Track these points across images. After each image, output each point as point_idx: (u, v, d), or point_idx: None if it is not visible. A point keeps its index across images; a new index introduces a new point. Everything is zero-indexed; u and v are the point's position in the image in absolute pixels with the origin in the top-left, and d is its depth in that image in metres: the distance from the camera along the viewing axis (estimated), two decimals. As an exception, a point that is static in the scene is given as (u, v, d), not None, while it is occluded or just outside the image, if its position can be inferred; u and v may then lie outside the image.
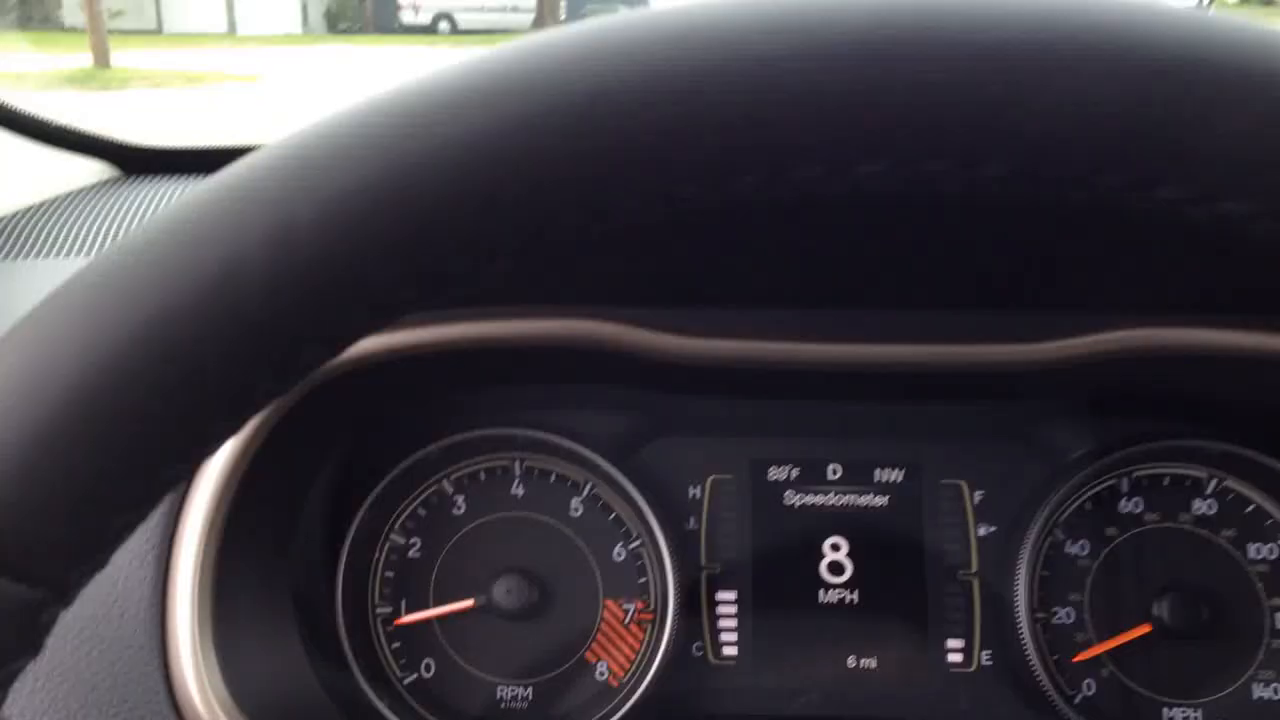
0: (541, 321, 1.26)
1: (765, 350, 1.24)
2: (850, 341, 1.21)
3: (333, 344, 0.47)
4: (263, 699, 1.25)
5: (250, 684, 1.24)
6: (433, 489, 1.52)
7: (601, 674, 1.47)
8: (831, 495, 1.48)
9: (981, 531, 1.44)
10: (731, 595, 1.46)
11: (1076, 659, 1.38)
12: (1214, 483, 1.42)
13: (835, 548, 1.46)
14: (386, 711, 1.44)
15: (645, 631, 1.47)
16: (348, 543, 1.49)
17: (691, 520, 1.48)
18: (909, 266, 1.17)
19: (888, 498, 1.47)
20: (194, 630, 1.19)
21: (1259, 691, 1.37)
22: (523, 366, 1.39)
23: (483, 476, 1.52)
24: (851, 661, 1.44)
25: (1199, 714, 1.37)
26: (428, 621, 1.50)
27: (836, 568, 1.46)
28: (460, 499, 1.52)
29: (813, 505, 1.48)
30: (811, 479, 1.49)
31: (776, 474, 1.49)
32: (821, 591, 1.46)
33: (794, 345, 1.23)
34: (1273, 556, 1.39)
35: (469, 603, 1.48)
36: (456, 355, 1.29)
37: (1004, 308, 1.18)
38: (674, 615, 1.43)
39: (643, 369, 1.30)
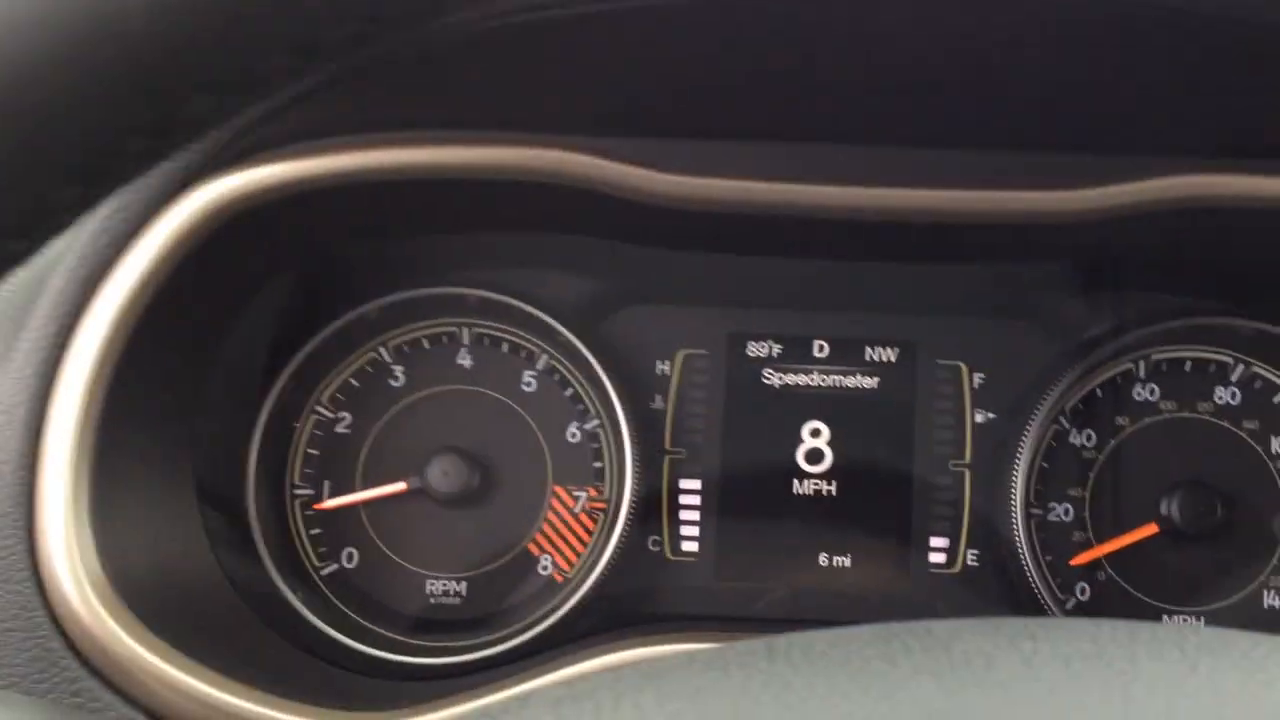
0: (498, 149, 1.07)
1: (758, 191, 1.07)
2: (856, 183, 1.05)
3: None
4: (146, 583, 1.07)
5: (133, 564, 1.06)
6: (368, 356, 1.35)
7: (545, 568, 1.32)
8: (816, 375, 1.34)
9: (979, 419, 1.31)
10: (696, 484, 1.32)
11: (1074, 562, 1.26)
12: (1240, 368, 1.29)
13: (815, 433, 1.32)
14: (299, 605, 1.28)
15: (597, 522, 1.32)
16: (264, 413, 1.31)
17: (658, 399, 1.34)
18: (925, 95, 1.01)
19: (878, 379, 1.33)
20: (69, 498, 1.00)
21: (1270, 599, 1.26)
22: (476, 209, 1.21)
23: (425, 344, 1.35)
24: (824, 559, 1.31)
25: (1201, 622, 1.26)
26: (353, 506, 1.33)
27: (815, 455, 1.32)
28: (399, 369, 1.35)
29: (794, 386, 1.34)
30: (795, 357, 1.34)
31: (756, 350, 1.34)
32: (796, 482, 1.32)
33: (791, 186, 1.07)
34: (1298, 451, 1.28)
35: (400, 486, 1.31)
36: (397, 190, 1.11)
37: (1035, 149, 1.03)
38: (630, 504, 1.28)
39: (615, 216, 1.13)
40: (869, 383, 1.33)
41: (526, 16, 0.95)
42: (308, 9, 0.45)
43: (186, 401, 1.20)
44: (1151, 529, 1.25)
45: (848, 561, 1.31)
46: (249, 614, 1.23)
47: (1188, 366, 1.30)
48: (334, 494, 1.33)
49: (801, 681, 0.49)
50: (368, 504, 1.33)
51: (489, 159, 1.08)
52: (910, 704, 0.48)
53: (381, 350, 1.35)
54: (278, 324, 1.31)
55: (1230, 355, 1.29)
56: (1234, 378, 1.29)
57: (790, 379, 1.34)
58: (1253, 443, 1.28)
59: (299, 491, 1.33)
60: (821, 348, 1.34)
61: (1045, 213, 1.01)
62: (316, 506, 1.33)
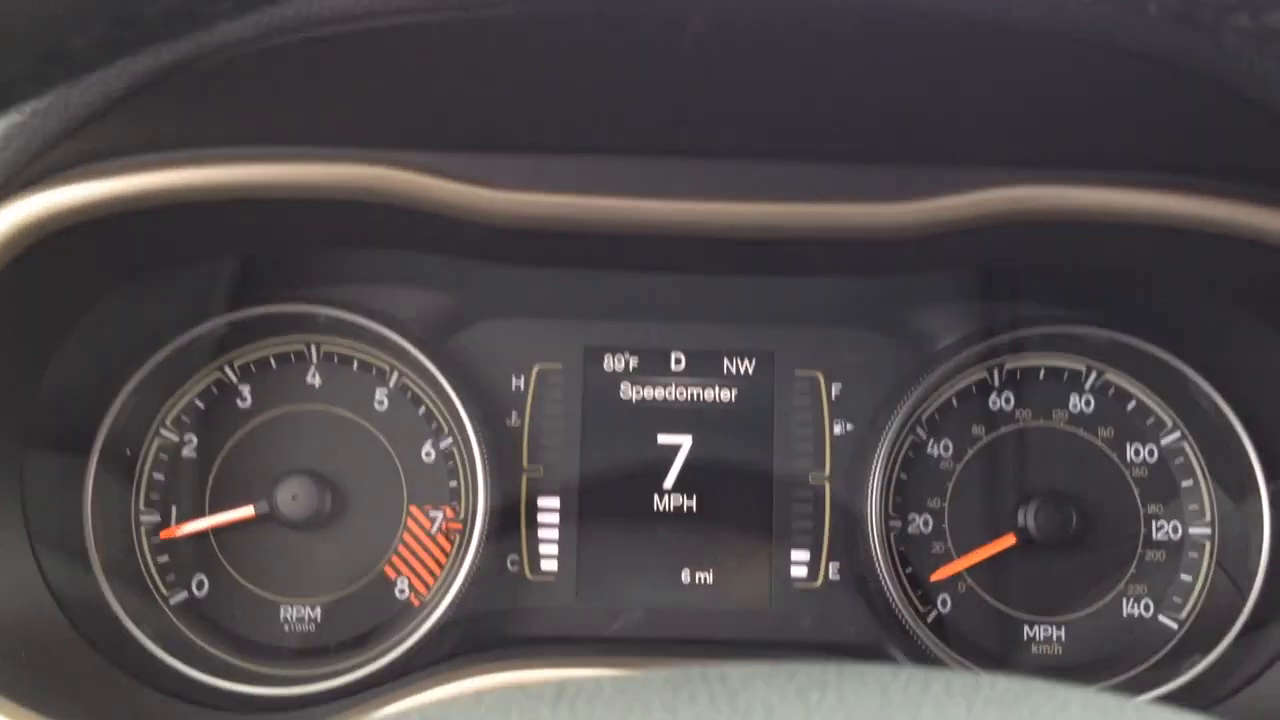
0: (315, 166, 1.02)
1: (592, 208, 1.03)
2: (693, 198, 1.02)
3: None
4: None
5: None
6: (213, 376, 1.29)
7: (402, 591, 1.28)
8: (674, 388, 1.31)
9: (837, 429, 1.29)
10: (554, 502, 1.29)
11: (934, 577, 1.25)
12: (1093, 376, 1.28)
13: (674, 448, 1.29)
14: (145, 639, 1.22)
15: (453, 543, 1.28)
16: (101, 435, 1.25)
17: (513, 416, 1.30)
18: (758, 108, 0.97)
19: (736, 391, 1.30)
20: None
21: (1129, 608, 1.26)
22: (310, 227, 1.16)
23: (273, 362, 1.30)
24: (686, 576, 1.29)
25: (1062, 632, 1.26)
26: (202, 533, 1.28)
27: (674, 470, 1.29)
28: (246, 389, 1.30)
29: (652, 399, 1.31)
30: (652, 369, 1.31)
31: (612, 363, 1.31)
32: (656, 497, 1.29)
33: (626, 202, 1.03)
34: (1152, 459, 1.27)
35: (248, 511, 1.26)
36: (236, 209, 1.05)
37: (867, 162, 1.00)
38: (486, 524, 1.24)
39: (450, 235, 1.09)
40: (727, 394, 1.30)
41: (336, 28, 0.90)
42: (53, 15, 0.43)
43: (9, 435, 1.14)
44: (1009, 540, 1.24)
45: (710, 578, 1.29)
46: (91, 653, 1.18)
47: (1042, 375, 1.29)
48: (181, 518, 1.28)
49: None
50: (217, 530, 1.28)
51: (306, 177, 1.02)
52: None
53: (227, 369, 1.30)
54: (113, 345, 1.25)
55: (1083, 363, 1.28)
56: (1087, 385, 1.28)
57: (648, 392, 1.31)
58: (1107, 450, 1.27)
59: (144, 518, 1.28)
60: (679, 360, 1.31)
61: (878, 226, 0.98)
62: (163, 535, 1.27)
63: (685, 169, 1.03)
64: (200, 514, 1.28)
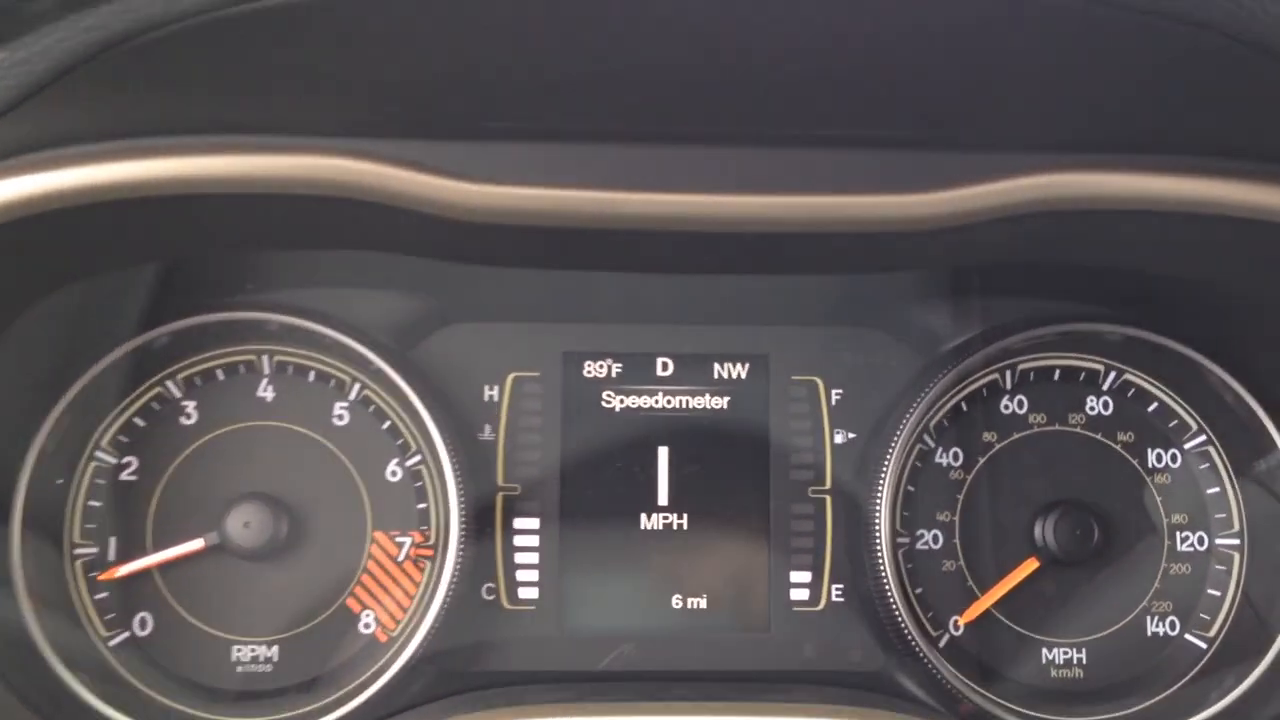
0: (269, 158, 0.91)
1: (573, 201, 0.93)
2: (682, 190, 0.92)
3: None
4: None
5: None
6: (154, 391, 1.19)
7: (368, 625, 1.18)
8: (660, 396, 1.22)
9: (838, 439, 1.21)
10: (533, 523, 1.20)
11: (961, 620, 1.16)
12: (1111, 376, 1.21)
13: (663, 461, 1.21)
14: (80, 688, 1.10)
15: (424, 571, 1.18)
16: (30, 460, 1.13)
17: (487, 429, 1.21)
18: (759, 87, 0.88)
19: (728, 399, 1.22)
20: None
21: (1153, 626, 1.19)
22: (266, 227, 1.05)
23: (220, 375, 1.20)
24: (677, 602, 1.20)
25: (1083, 654, 1.18)
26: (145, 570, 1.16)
27: (663, 485, 1.20)
28: (190, 405, 1.19)
29: (638, 409, 1.22)
30: (637, 376, 1.22)
31: (594, 370, 1.22)
32: (644, 516, 1.20)
33: (612, 195, 0.93)
34: (1175, 464, 1.20)
35: (197, 544, 1.15)
36: (175, 207, 0.94)
37: (881, 148, 0.91)
38: (459, 549, 1.14)
39: (420, 230, 0.98)
40: (718, 402, 1.22)
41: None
42: None
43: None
44: (1032, 564, 1.16)
45: (704, 603, 1.20)
46: (18, 706, 1.06)
47: (1056, 376, 1.22)
48: (122, 552, 1.17)
49: None
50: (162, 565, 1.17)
51: (255, 170, 0.91)
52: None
53: (169, 384, 1.20)
54: (41, 360, 1.13)
55: (1101, 362, 1.21)
56: (1105, 386, 1.21)
57: (633, 401, 1.22)
58: (1128, 456, 1.20)
59: (80, 551, 1.16)
60: (665, 365, 1.23)
61: (894, 218, 0.89)
62: (101, 577, 1.16)
63: (675, 158, 0.93)
64: (142, 548, 1.18)
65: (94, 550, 1.17)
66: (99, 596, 1.16)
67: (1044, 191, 0.88)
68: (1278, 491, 1.17)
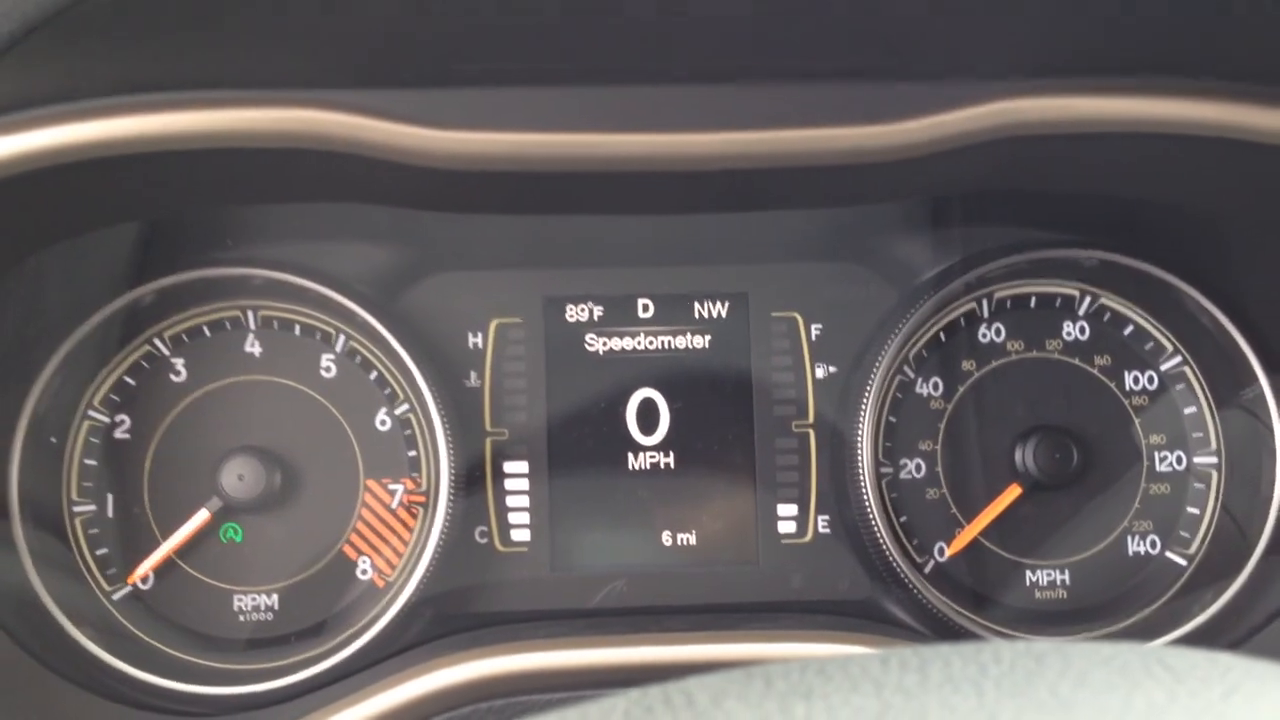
0: (239, 112, 0.91)
1: (546, 144, 0.93)
2: (651, 129, 0.92)
3: None
4: None
5: None
6: (142, 350, 1.19)
7: (364, 571, 1.20)
8: (642, 337, 1.23)
9: (820, 373, 1.22)
10: (522, 467, 1.21)
11: (950, 552, 1.18)
12: (1087, 301, 1.21)
13: (647, 401, 1.22)
14: (86, 641, 1.12)
15: (417, 517, 1.20)
16: (23, 421, 1.14)
17: (472, 376, 1.21)
18: (724, 22, 0.88)
19: (709, 337, 1.23)
20: None
21: (1134, 546, 1.20)
22: (244, 182, 1.05)
23: (207, 331, 1.20)
24: (667, 538, 1.21)
25: (1065, 575, 1.20)
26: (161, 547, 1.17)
27: (649, 425, 1.21)
28: (179, 362, 1.20)
29: (620, 351, 1.22)
30: (618, 318, 1.23)
31: (576, 314, 1.23)
32: (631, 456, 1.21)
33: (584, 137, 0.93)
34: (1152, 386, 1.21)
35: (203, 516, 1.17)
36: (154, 163, 0.94)
37: (847, 79, 0.91)
38: (450, 495, 1.16)
39: (397, 180, 0.98)
40: (700, 342, 1.23)
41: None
42: None
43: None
44: (1015, 491, 1.17)
45: (693, 539, 1.22)
46: (27, 660, 1.08)
47: (1033, 303, 1.22)
48: (119, 507, 1.19)
49: None
50: (160, 517, 1.19)
51: (230, 124, 0.92)
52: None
53: (157, 342, 1.20)
54: (28, 322, 1.14)
55: (1076, 287, 1.21)
56: (1081, 311, 1.22)
57: (615, 343, 1.23)
58: (1105, 379, 1.21)
59: (79, 509, 1.18)
60: (646, 306, 1.23)
61: (862, 149, 0.89)
62: (128, 580, 1.17)
63: (642, 97, 0.93)
64: (138, 498, 1.19)
65: (92, 508, 1.18)
66: (100, 552, 1.18)
67: (1010, 116, 0.88)
68: (1254, 410, 1.18)
